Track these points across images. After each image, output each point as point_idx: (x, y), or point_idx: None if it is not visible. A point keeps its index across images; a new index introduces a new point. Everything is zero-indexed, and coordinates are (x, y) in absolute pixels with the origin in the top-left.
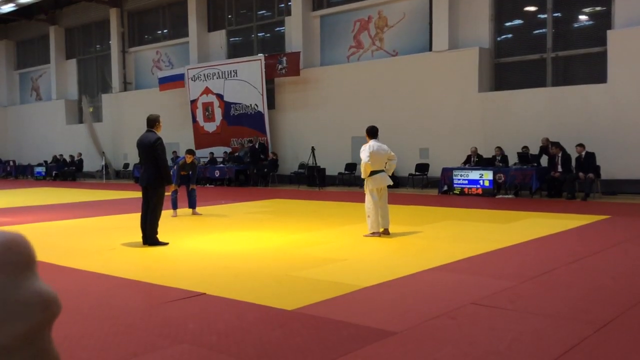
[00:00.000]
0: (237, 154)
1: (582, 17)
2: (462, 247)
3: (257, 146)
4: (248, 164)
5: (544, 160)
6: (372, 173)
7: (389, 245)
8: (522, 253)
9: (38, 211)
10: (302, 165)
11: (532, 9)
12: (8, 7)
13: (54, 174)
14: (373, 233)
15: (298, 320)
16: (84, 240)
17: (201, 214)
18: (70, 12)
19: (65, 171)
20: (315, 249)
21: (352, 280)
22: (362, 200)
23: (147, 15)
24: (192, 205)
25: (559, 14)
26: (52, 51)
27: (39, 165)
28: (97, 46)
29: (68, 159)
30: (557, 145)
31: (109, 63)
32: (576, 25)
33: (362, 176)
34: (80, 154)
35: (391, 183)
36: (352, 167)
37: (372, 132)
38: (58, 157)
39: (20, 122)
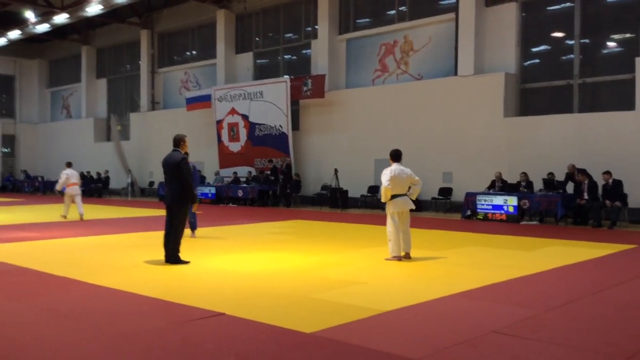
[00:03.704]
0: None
1: (611, 44)
2: (484, 274)
3: (278, 167)
4: (272, 184)
5: (570, 187)
6: (394, 197)
7: (410, 270)
8: (545, 281)
9: (63, 227)
10: (324, 187)
11: (559, 34)
12: (43, 28)
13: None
14: (394, 257)
15: (317, 343)
16: (108, 256)
17: (196, 237)
18: (102, 33)
19: (91, 188)
20: (336, 271)
21: (372, 304)
22: (384, 223)
23: (177, 37)
24: (191, 226)
25: (586, 40)
26: (84, 70)
27: None
28: (127, 66)
29: (95, 176)
30: (583, 172)
31: (138, 83)
32: (604, 52)
33: (382, 200)
34: (107, 171)
35: (413, 207)
36: (374, 189)
37: (396, 156)
38: (85, 173)
39: (50, 138)
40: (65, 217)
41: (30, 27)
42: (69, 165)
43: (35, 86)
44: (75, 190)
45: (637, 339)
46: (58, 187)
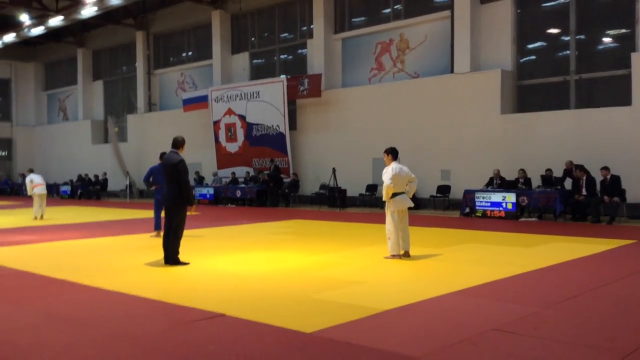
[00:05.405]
0: (266, 172)
1: (606, 40)
2: (484, 271)
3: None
4: (269, 184)
5: (568, 183)
6: (394, 195)
7: (410, 268)
8: (545, 278)
9: (62, 230)
10: (323, 186)
11: (555, 31)
12: (38, 30)
13: (78, 193)
14: (393, 255)
15: (317, 344)
16: (107, 259)
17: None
18: (97, 35)
19: (89, 190)
20: (336, 271)
21: (372, 304)
22: (383, 221)
23: (172, 38)
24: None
25: (582, 36)
26: (80, 73)
27: (65, 184)
28: (123, 68)
29: (93, 178)
30: (581, 168)
31: (135, 84)
32: (600, 48)
33: (384, 198)
34: (105, 173)
35: (412, 205)
36: (373, 188)
37: (393, 154)
38: (83, 176)
39: (47, 141)
40: (37, 218)
41: (26, 30)
42: (31, 171)
43: (32, 89)
44: (42, 190)
45: (637, 335)
46: (28, 192)
